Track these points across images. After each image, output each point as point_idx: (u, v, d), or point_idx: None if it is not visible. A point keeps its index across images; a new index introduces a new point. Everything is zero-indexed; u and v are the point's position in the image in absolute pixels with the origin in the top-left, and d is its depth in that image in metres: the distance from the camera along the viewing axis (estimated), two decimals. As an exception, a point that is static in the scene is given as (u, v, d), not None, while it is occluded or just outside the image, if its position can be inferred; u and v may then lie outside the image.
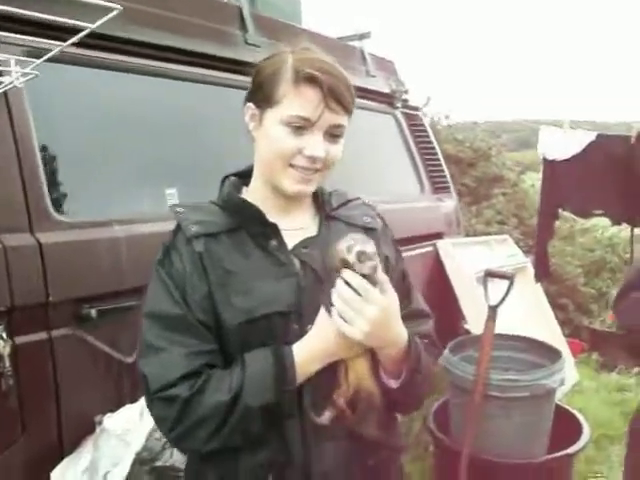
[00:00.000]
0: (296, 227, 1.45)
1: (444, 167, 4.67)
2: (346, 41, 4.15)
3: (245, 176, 1.50)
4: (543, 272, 3.91)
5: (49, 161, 2.19)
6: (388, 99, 4.23)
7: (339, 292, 1.27)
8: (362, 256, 1.27)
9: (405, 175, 4.27)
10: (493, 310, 3.09)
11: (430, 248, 4.23)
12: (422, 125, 4.57)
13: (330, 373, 1.34)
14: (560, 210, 3.84)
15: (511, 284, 3.06)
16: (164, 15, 2.72)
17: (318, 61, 1.35)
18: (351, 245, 1.27)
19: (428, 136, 4.58)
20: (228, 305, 1.33)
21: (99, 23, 1.33)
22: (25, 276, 1.97)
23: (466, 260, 4.29)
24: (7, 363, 1.87)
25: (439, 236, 4.35)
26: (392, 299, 1.32)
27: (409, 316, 1.49)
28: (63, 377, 2.07)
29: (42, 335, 2.02)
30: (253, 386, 1.27)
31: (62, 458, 2.05)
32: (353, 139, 3.69)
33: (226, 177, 1.50)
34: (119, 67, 2.47)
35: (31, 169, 2.08)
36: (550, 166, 3.61)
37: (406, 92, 4.38)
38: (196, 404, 1.26)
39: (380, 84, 4.16)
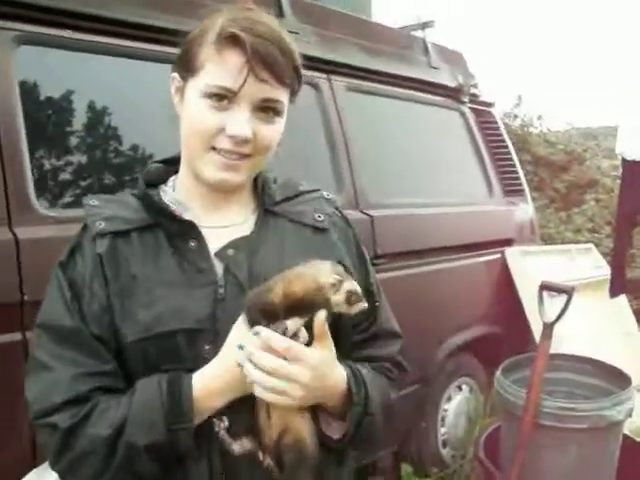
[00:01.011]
0: (225, 224, 1.21)
1: (518, 169, 4.32)
2: (408, 31, 3.87)
3: (176, 163, 1.25)
4: (619, 286, 3.50)
5: (37, 150, 2.05)
6: (453, 93, 3.91)
7: (258, 362, 1.02)
8: (353, 297, 1.04)
9: (471, 176, 3.96)
10: (549, 328, 2.76)
11: (497, 256, 3.90)
12: (494, 122, 4.23)
13: (247, 407, 1.10)
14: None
15: (569, 299, 2.72)
16: (192, 1, 2.55)
17: (248, 20, 1.09)
18: (339, 281, 1.03)
19: (501, 134, 4.24)
20: (128, 318, 1.11)
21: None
22: (-4, 273, 1.84)
23: (538, 270, 3.92)
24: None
25: (508, 243, 4.01)
26: (325, 347, 1.07)
27: (374, 337, 1.26)
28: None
29: (15, 336, 1.88)
30: (138, 421, 1.04)
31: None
32: (409, 135, 3.51)
33: (152, 163, 1.28)
34: (118, 52, 2.32)
35: (14, 157, 1.94)
36: (629, 167, 3.21)
37: (475, 86, 4.06)
38: (77, 436, 1.06)
39: (444, 77, 3.86)
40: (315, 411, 1.13)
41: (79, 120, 2.17)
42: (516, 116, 8.48)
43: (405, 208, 3.19)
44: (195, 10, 2.48)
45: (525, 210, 4.27)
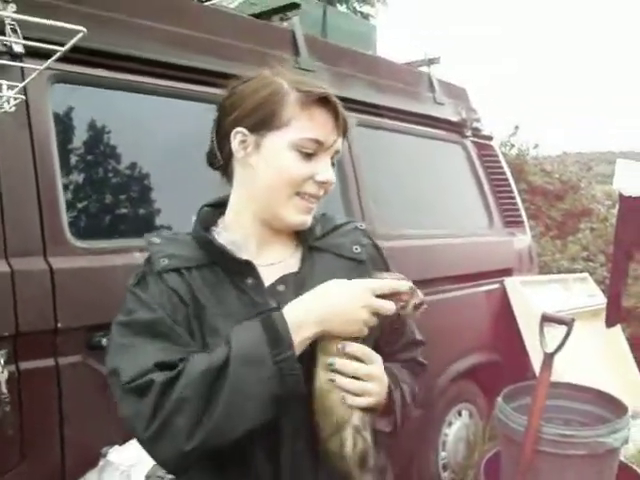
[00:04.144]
0: (275, 261, 1.32)
1: (518, 200, 4.44)
2: (415, 67, 4.02)
3: (221, 205, 1.38)
4: (615, 316, 3.61)
5: (70, 183, 2.17)
6: (457, 127, 4.06)
7: (343, 369, 1.19)
8: (421, 305, 1.25)
9: (472, 207, 4.08)
10: (549, 358, 2.86)
11: (497, 285, 4.02)
12: (495, 155, 4.36)
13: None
14: (636, 250, 3.55)
15: (569, 330, 2.83)
16: (211, 40, 2.68)
17: (316, 83, 1.29)
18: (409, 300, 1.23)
19: (501, 167, 4.37)
20: (200, 340, 1.22)
21: (68, 46, 1.26)
22: (33, 302, 1.94)
23: (537, 299, 4.04)
24: (4, 389, 1.83)
25: (508, 273, 4.13)
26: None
27: (402, 348, 1.44)
28: (69, 406, 2.02)
29: (48, 362, 1.98)
30: (243, 356, 1.11)
31: (64, 489, 1.99)
32: (414, 168, 3.64)
33: (203, 207, 1.39)
34: (155, 91, 2.44)
35: (49, 190, 2.05)
36: (626, 202, 3.33)
37: (477, 120, 4.20)
38: (174, 387, 1.10)
39: (448, 112, 4.00)
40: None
41: (110, 155, 2.29)
42: (513, 145, 8.65)
43: (411, 239, 3.29)
44: (221, 50, 2.64)
45: (524, 240, 4.39)
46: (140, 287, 1.25)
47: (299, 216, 1.29)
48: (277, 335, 1.12)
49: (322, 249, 1.36)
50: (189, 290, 1.24)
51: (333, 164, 1.31)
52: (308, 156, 1.25)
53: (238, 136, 1.28)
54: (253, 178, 1.29)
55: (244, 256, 1.28)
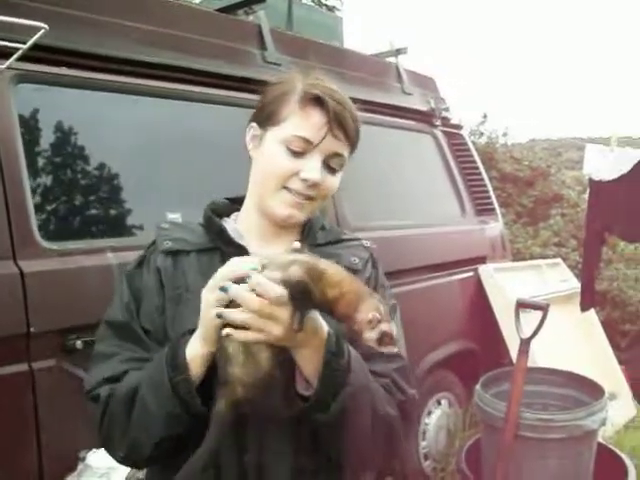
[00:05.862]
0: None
1: (489, 188, 4.47)
2: (382, 57, 4.01)
3: (240, 202, 1.42)
4: (589, 301, 3.66)
5: (38, 184, 2.13)
6: (426, 117, 4.06)
7: (245, 303, 1.09)
8: (386, 338, 1.09)
9: (444, 197, 4.09)
10: (526, 343, 2.89)
11: (471, 273, 4.04)
12: (465, 144, 4.37)
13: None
14: (607, 234, 3.59)
15: (545, 315, 2.86)
16: (177, 36, 2.65)
17: (328, 88, 1.30)
18: (377, 321, 1.08)
19: (471, 155, 4.38)
20: (177, 321, 1.27)
21: (30, 43, 1.24)
22: (4, 306, 1.91)
23: (511, 286, 4.07)
24: (-22, 396, 1.80)
25: (482, 260, 4.16)
26: None
27: (376, 355, 1.27)
28: (45, 410, 1.99)
29: (22, 367, 1.95)
30: (149, 381, 1.19)
31: (42, 496, 1.96)
32: (385, 159, 3.63)
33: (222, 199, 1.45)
34: (122, 89, 2.40)
35: (16, 192, 2.02)
36: (596, 187, 3.37)
37: (446, 110, 4.20)
38: (110, 403, 1.23)
39: (417, 102, 4.00)
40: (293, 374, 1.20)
41: (78, 155, 2.25)
42: (482, 133, 8.70)
43: (385, 230, 3.30)
44: (187, 45, 2.61)
45: (496, 228, 4.41)
46: (133, 276, 1.34)
47: (286, 209, 1.30)
48: (176, 358, 1.18)
49: (321, 255, 1.31)
50: (176, 273, 1.31)
51: (333, 169, 1.31)
52: (297, 154, 1.27)
53: (251, 130, 1.35)
54: (254, 171, 1.36)
55: (242, 243, 1.33)
